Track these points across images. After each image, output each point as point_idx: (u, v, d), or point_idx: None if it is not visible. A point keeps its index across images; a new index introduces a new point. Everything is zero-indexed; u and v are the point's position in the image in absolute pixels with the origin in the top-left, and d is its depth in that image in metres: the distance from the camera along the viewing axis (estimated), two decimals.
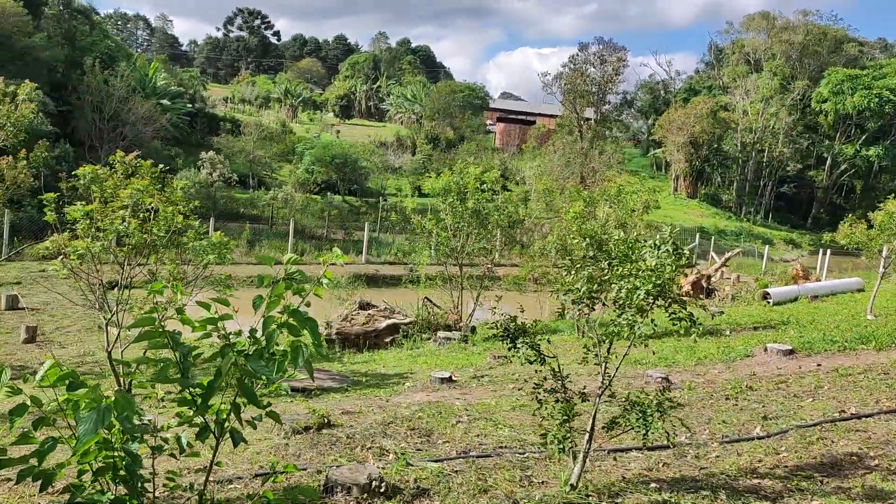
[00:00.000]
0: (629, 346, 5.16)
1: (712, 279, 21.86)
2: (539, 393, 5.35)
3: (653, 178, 64.36)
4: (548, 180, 36.28)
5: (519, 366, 12.82)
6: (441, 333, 14.96)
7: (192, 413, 3.49)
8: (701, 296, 21.16)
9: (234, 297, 11.74)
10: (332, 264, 3.41)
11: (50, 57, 35.64)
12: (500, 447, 6.93)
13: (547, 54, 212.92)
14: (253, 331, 3.41)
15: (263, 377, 3.28)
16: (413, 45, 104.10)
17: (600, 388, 5.33)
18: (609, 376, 5.30)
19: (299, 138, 52.48)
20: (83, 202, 10.64)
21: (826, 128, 64.83)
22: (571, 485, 5.27)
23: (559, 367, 5.35)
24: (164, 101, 45.01)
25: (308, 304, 3.40)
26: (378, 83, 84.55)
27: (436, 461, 6.31)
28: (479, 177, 15.83)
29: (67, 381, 3.36)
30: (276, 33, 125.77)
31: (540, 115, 78.34)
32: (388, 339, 15.61)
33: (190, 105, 50.82)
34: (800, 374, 10.03)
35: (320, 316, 16.88)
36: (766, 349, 11.15)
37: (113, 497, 3.38)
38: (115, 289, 11.54)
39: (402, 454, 6.55)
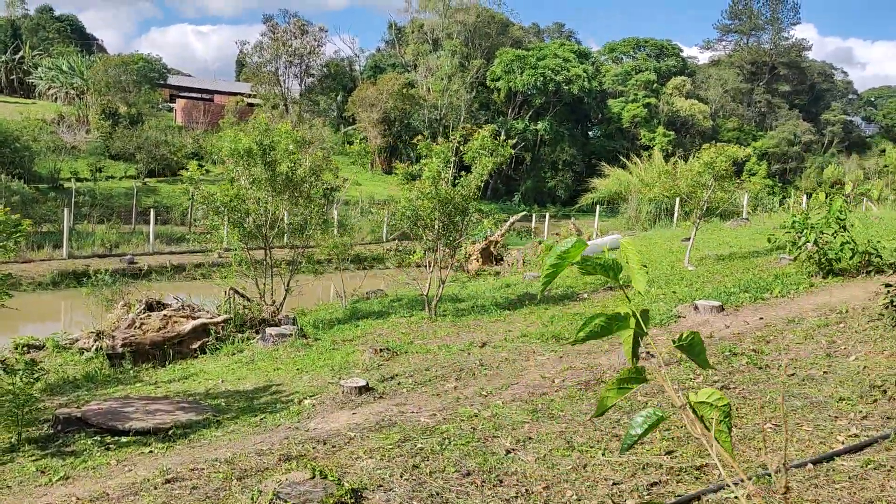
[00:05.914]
0: None
1: (498, 245, 21.17)
2: None
3: (346, 155, 63.49)
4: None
5: (424, 355, 10.46)
6: (271, 330, 11.87)
7: None
8: (490, 263, 20.34)
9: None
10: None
11: None
12: (650, 488, 4.80)
13: (206, 32, 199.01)
14: None
15: None
16: (56, 12, 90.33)
17: None
18: None
19: None
20: None
21: (500, 104, 70.01)
22: None
23: None
24: None
25: None
26: (21, 53, 71.55)
27: None
28: (291, 134, 12.87)
29: None
30: None
31: (218, 92, 73.02)
32: (195, 346, 12.10)
33: None
34: (762, 329, 9.20)
35: (69, 326, 12.51)
36: (696, 307, 10.23)
37: None
38: None
39: None
